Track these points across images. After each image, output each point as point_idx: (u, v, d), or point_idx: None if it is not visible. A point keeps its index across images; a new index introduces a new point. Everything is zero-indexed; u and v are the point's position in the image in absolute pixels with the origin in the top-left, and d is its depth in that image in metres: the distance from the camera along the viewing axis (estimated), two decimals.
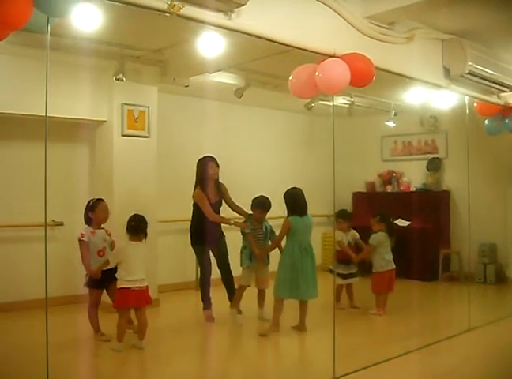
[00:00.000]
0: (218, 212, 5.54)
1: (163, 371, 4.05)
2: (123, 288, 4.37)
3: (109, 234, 4.82)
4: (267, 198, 5.42)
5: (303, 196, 5.14)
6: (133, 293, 4.36)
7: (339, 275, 5.95)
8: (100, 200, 4.83)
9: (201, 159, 5.59)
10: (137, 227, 4.53)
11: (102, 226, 4.81)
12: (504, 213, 7.66)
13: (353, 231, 6.21)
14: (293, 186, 5.21)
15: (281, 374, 4.24)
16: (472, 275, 7.43)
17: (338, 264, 5.96)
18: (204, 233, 5.40)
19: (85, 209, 4.80)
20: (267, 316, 5.40)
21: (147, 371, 4.19)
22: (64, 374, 3.75)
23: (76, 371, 4.03)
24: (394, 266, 5.90)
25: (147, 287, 4.47)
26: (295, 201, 5.08)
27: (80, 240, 4.65)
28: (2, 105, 5.20)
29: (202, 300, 5.57)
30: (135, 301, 4.39)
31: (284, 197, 5.13)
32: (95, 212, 4.74)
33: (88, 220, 4.77)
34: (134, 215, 4.61)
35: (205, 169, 5.51)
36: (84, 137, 6.35)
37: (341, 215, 6.20)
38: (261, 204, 5.39)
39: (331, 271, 5.99)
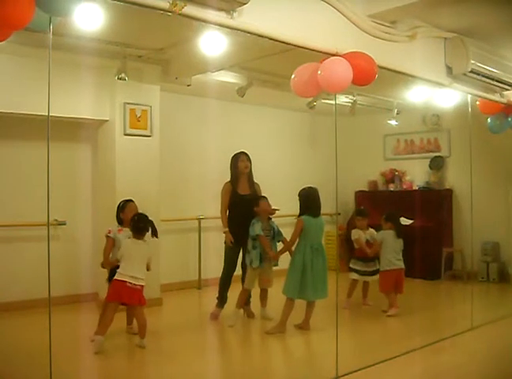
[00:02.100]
0: (248, 207, 5.41)
1: (167, 369, 4.05)
2: (117, 280, 4.38)
3: None
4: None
5: (319, 196, 5.08)
6: (127, 289, 4.36)
7: (355, 270, 6.05)
8: (129, 200, 4.90)
9: (233, 155, 5.66)
10: (139, 225, 4.56)
11: None
12: (507, 211, 7.64)
13: (371, 230, 6.22)
14: (309, 185, 5.13)
15: (284, 372, 4.25)
16: (474, 273, 7.40)
17: (356, 261, 6.07)
18: (236, 232, 5.39)
19: (116, 211, 4.89)
20: (270, 315, 5.41)
21: (150, 370, 4.19)
22: (67, 373, 3.76)
23: (79, 370, 4.04)
24: (402, 266, 5.89)
25: (142, 287, 4.45)
26: (311, 201, 5.04)
27: (106, 236, 4.74)
28: (5, 104, 5.20)
29: (218, 298, 5.56)
30: (128, 298, 4.38)
31: (299, 196, 5.08)
32: (124, 212, 4.82)
33: (120, 221, 4.85)
34: (138, 214, 4.65)
35: (236, 163, 5.60)
36: (86, 137, 6.36)
37: (359, 213, 6.34)
38: (262, 198, 5.42)
39: (351, 268, 6.09)
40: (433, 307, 6.37)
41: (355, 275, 6.08)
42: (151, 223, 4.61)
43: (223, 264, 5.57)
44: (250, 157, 5.66)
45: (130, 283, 4.36)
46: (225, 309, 5.52)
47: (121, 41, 5.09)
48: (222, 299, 5.56)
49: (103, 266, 4.77)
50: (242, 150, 5.67)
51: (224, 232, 5.43)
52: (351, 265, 6.12)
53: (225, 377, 4.06)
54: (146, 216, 4.61)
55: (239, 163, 5.58)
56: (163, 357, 4.33)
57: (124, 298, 4.40)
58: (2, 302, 5.52)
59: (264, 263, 5.30)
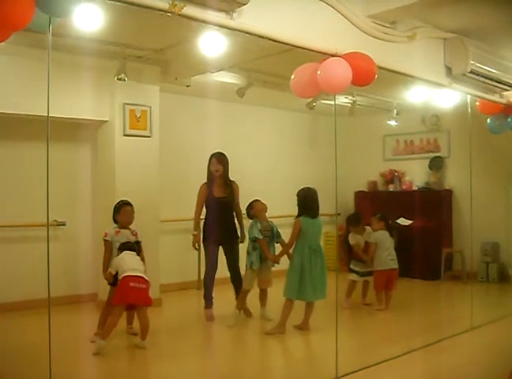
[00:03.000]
0: (225, 209, 5.50)
1: (166, 370, 4.06)
2: (122, 280, 4.36)
3: (134, 235, 4.79)
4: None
5: (317, 197, 5.05)
6: (134, 289, 4.34)
7: (355, 272, 6.10)
8: (125, 204, 4.84)
9: (211, 155, 5.67)
10: (129, 245, 4.61)
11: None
12: (506, 212, 7.64)
13: (368, 229, 6.24)
14: (308, 186, 5.10)
15: (284, 373, 4.25)
16: (474, 273, 7.38)
17: (357, 262, 6.11)
18: (212, 231, 5.42)
19: (113, 211, 4.86)
20: (269, 315, 5.41)
21: (150, 371, 4.20)
22: (67, 374, 3.75)
23: (78, 371, 4.04)
24: (396, 266, 5.98)
25: (147, 286, 4.45)
26: (309, 202, 5.01)
27: (103, 239, 4.73)
28: (4, 105, 5.20)
29: (204, 298, 5.58)
30: (135, 297, 4.36)
31: (298, 196, 5.05)
32: (119, 215, 4.80)
33: (115, 221, 4.83)
34: (126, 243, 4.66)
35: (208, 166, 5.61)
36: (86, 137, 6.36)
37: (354, 220, 6.25)
38: (256, 200, 5.41)
39: (350, 269, 6.15)
40: (433, 307, 6.36)
41: (355, 276, 6.12)
42: (138, 244, 4.68)
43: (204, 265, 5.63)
44: (227, 157, 5.61)
45: (134, 279, 4.34)
46: (225, 309, 5.52)
47: (120, 42, 5.09)
48: (209, 299, 5.57)
49: (105, 278, 4.68)
50: (218, 150, 5.64)
51: (193, 235, 5.46)
52: (351, 266, 6.15)
53: (225, 377, 4.05)
54: (132, 244, 4.66)
55: (211, 167, 5.58)
56: (162, 357, 4.33)
57: (131, 299, 4.37)
58: (2, 303, 5.52)
59: (262, 264, 5.31)
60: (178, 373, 4.04)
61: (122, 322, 4.73)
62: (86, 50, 4.92)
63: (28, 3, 2.55)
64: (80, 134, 6.29)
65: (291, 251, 5.11)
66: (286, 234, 5.30)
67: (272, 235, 5.39)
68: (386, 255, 5.94)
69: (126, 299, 4.38)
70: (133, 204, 4.88)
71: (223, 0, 3.22)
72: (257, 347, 4.93)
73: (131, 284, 4.34)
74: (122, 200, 4.90)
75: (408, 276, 7.28)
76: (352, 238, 6.15)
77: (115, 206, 4.87)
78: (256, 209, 5.36)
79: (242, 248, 5.55)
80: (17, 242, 5.87)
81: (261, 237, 5.24)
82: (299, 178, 7.13)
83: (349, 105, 7.30)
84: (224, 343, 5.01)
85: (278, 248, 5.41)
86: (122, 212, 4.80)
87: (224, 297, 5.64)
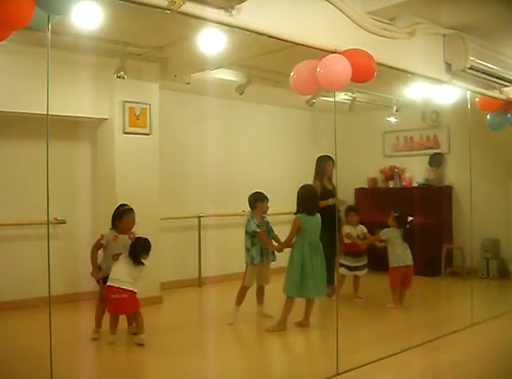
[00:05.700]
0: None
1: (167, 367, 4.06)
2: (108, 287, 4.43)
3: (131, 238, 4.68)
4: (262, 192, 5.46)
5: (317, 194, 5.14)
6: (115, 301, 4.40)
7: (345, 266, 6.18)
8: (129, 210, 4.70)
9: (325, 157, 6.43)
10: (141, 255, 4.53)
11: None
12: (507, 208, 7.65)
13: (361, 226, 6.34)
14: (307, 183, 5.19)
15: (285, 370, 4.25)
16: (474, 270, 7.39)
17: (346, 256, 6.19)
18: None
19: (113, 215, 4.72)
20: (268, 312, 5.41)
21: (151, 368, 4.19)
22: (67, 372, 3.75)
23: (79, 368, 4.04)
24: (411, 262, 5.96)
25: (129, 294, 4.42)
26: (308, 199, 5.05)
27: (98, 240, 4.67)
28: (3, 104, 5.19)
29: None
30: (116, 308, 4.47)
31: (298, 193, 5.10)
32: (121, 221, 4.67)
33: (114, 226, 4.69)
34: (143, 241, 4.57)
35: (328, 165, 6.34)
36: (85, 135, 6.35)
37: (351, 208, 6.50)
38: (263, 195, 5.40)
39: (341, 264, 6.19)
40: (433, 304, 6.38)
41: (344, 271, 6.19)
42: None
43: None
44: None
45: (115, 290, 4.38)
46: (225, 307, 5.52)
47: (120, 39, 5.08)
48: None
49: (92, 275, 4.66)
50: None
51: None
52: (341, 260, 6.19)
53: (226, 374, 4.05)
54: (149, 243, 4.57)
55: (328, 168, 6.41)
56: (163, 355, 4.33)
57: (115, 309, 4.48)
58: (2, 301, 5.52)
59: (263, 259, 5.31)
60: (178, 370, 4.04)
61: (123, 323, 4.75)
62: (85, 48, 4.91)
63: (28, 2, 2.54)
64: (79, 132, 6.28)
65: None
66: (286, 232, 5.29)
67: (268, 230, 5.41)
68: (400, 252, 5.92)
69: (110, 309, 4.52)
70: (132, 201, 4.84)
71: None
72: (258, 344, 4.94)
73: (112, 296, 4.41)
74: (124, 206, 4.76)
75: None
76: (346, 228, 6.25)
77: (117, 212, 4.73)
78: (265, 207, 5.38)
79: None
80: (17, 241, 5.86)
81: (259, 230, 5.25)
82: (298, 175, 7.12)
83: (349, 102, 7.30)
84: (225, 341, 5.01)
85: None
86: (126, 219, 4.66)
87: (225, 294, 5.62)
